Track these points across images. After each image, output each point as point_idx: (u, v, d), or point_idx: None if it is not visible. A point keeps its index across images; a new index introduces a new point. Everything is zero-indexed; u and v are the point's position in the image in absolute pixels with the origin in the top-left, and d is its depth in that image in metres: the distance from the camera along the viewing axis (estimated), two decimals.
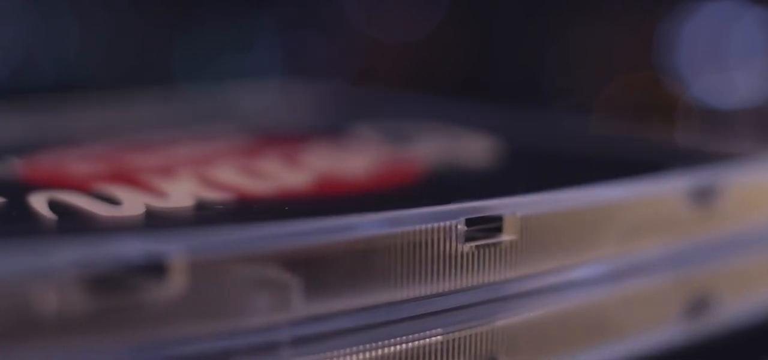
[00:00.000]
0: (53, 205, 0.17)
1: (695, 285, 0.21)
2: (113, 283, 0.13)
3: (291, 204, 0.19)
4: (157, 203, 0.18)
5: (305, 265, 0.15)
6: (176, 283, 0.14)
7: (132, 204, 0.17)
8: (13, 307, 0.13)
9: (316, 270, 0.15)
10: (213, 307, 0.14)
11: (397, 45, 0.54)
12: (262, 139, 0.26)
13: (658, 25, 0.51)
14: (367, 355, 0.16)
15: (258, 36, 0.53)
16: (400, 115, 0.29)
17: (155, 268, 0.14)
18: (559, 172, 0.22)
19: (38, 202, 0.17)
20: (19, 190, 0.18)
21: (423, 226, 0.16)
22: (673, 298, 0.20)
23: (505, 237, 0.17)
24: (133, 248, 0.13)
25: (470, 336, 0.17)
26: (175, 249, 0.14)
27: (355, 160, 0.22)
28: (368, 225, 0.16)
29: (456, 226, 0.17)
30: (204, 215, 0.17)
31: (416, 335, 0.16)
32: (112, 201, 0.17)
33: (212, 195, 0.19)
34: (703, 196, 0.20)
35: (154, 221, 0.17)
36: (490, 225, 0.17)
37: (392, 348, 0.16)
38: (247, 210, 0.18)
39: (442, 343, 0.17)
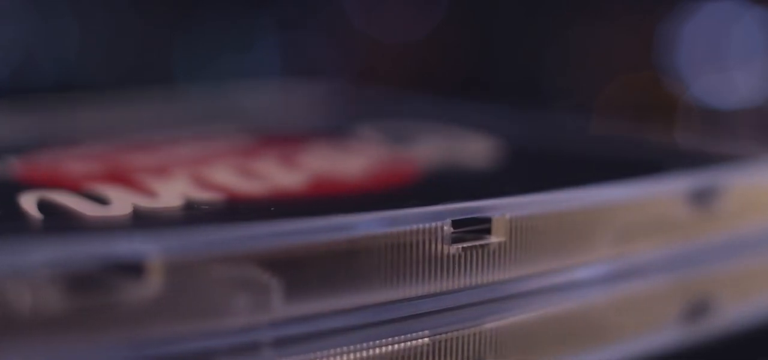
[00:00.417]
0: (42, 205, 0.17)
1: (694, 288, 0.21)
2: (90, 283, 0.13)
3: (279, 204, 0.19)
4: (146, 203, 0.18)
5: (285, 265, 0.15)
6: (153, 283, 0.14)
7: (120, 204, 0.17)
8: None
9: (297, 271, 0.15)
10: (191, 308, 0.14)
11: (397, 45, 0.54)
12: (261, 139, 0.26)
13: (658, 25, 0.51)
14: (352, 356, 0.16)
15: (258, 36, 0.53)
16: (400, 115, 0.29)
17: (132, 268, 0.14)
18: (555, 173, 0.22)
19: (28, 202, 0.17)
20: (13, 189, 0.18)
21: (408, 228, 0.16)
22: (671, 302, 0.20)
23: (494, 239, 0.17)
24: (111, 248, 0.13)
25: (458, 338, 0.17)
26: (152, 249, 0.14)
27: (352, 160, 0.22)
28: (350, 226, 0.15)
29: (442, 228, 0.16)
30: (189, 215, 0.17)
31: (402, 337, 0.16)
32: (102, 201, 0.17)
33: (203, 195, 0.19)
34: (703, 198, 0.20)
35: (140, 221, 0.17)
36: (479, 226, 0.17)
37: (377, 350, 0.16)
38: (232, 210, 0.18)
39: (429, 345, 0.16)
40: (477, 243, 0.17)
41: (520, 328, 0.18)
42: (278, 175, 0.20)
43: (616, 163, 0.23)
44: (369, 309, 0.16)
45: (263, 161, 0.22)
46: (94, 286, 0.13)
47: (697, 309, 0.20)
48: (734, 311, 0.21)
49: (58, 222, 0.16)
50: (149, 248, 0.14)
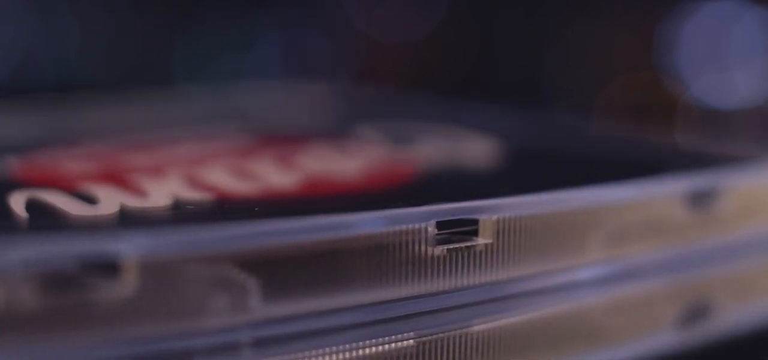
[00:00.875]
0: (30, 204, 0.17)
1: (692, 292, 0.20)
2: (66, 282, 0.13)
3: (268, 205, 0.19)
4: (134, 203, 0.18)
5: (264, 266, 0.15)
6: (128, 282, 0.14)
7: (108, 203, 0.17)
8: None
9: (276, 271, 0.15)
10: (167, 308, 0.14)
11: (397, 45, 0.54)
12: (260, 139, 0.26)
13: (658, 25, 0.51)
14: (334, 358, 0.15)
15: (258, 36, 0.53)
16: (400, 116, 0.29)
17: (108, 268, 0.14)
18: (551, 174, 0.21)
19: (17, 201, 0.17)
20: (7, 188, 0.18)
21: (391, 229, 0.16)
22: (668, 306, 0.20)
23: (481, 240, 0.17)
24: (86, 247, 0.13)
25: (444, 340, 0.17)
26: (127, 249, 0.14)
27: (348, 161, 0.22)
28: (331, 226, 0.15)
29: (426, 229, 0.16)
30: (174, 215, 0.17)
31: (386, 339, 0.16)
32: (90, 200, 0.17)
33: (192, 195, 0.18)
34: (701, 200, 0.20)
35: (124, 221, 0.17)
36: (466, 228, 0.17)
37: (360, 351, 0.16)
38: (217, 211, 0.18)
39: (414, 347, 0.16)
40: (462, 245, 0.17)
41: (508, 331, 0.18)
42: (272, 175, 0.20)
43: (613, 163, 0.23)
44: (351, 310, 0.16)
45: (259, 161, 0.22)
46: (70, 286, 0.13)
47: (695, 313, 0.20)
48: (732, 315, 0.21)
49: (41, 221, 0.16)
50: (124, 248, 0.14)
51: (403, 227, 0.16)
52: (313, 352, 0.15)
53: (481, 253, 0.17)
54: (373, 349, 0.16)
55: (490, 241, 0.17)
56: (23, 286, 0.13)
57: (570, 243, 0.18)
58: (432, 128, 0.26)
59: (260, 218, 0.15)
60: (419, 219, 0.16)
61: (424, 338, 0.16)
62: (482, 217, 0.17)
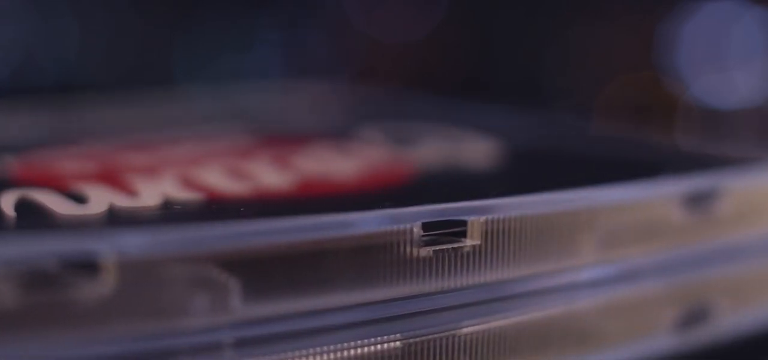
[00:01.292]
0: (19, 204, 0.17)
1: (690, 294, 0.20)
2: (45, 281, 0.13)
3: (257, 205, 0.18)
4: (124, 202, 0.18)
5: (245, 266, 0.15)
6: (107, 281, 0.14)
7: (97, 203, 0.17)
8: None
9: (258, 271, 0.15)
10: (147, 307, 0.14)
11: (397, 45, 0.54)
12: (260, 139, 0.26)
13: (658, 25, 0.51)
14: (318, 359, 0.15)
15: (258, 36, 0.53)
16: (400, 116, 0.29)
17: (87, 267, 0.14)
18: (549, 174, 0.21)
19: (6, 201, 0.17)
20: (1, 188, 0.18)
21: (375, 229, 0.16)
22: (665, 308, 0.20)
23: (468, 242, 0.17)
24: (66, 246, 0.13)
25: (431, 342, 0.16)
26: (106, 248, 0.14)
27: (345, 161, 0.22)
28: (314, 227, 0.15)
29: (412, 231, 0.16)
30: (162, 215, 0.17)
31: (371, 340, 0.16)
32: (80, 200, 0.17)
33: (184, 195, 0.18)
34: (700, 202, 0.20)
35: (111, 220, 0.17)
36: (454, 229, 0.17)
37: (345, 352, 0.16)
38: (205, 211, 0.18)
39: (400, 348, 0.16)
40: (449, 246, 0.17)
41: (497, 333, 0.18)
42: (267, 175, 0.20)
43: (612, 164, 0.23)
44: (336, 311, 0.16)
45: (256, 162, 0.22)
46: (50, 285, 0.13)
47: (694, 316, 0.20)
48: (731, 318, 0.20)
49: (27, 221, 0.16)
50: (103, 247, 0.14)
51: (390, 228, 0.16)
52: (296, 353, 0.15)
53: (468, 254, 0.17)
54: (359, 350, 0.16)
55: (478, 242, 0.17)
56: (4, 285, 0.13)
57: (561, 245, 0.18)
58: (432, 128, 0.26)
59: (244, 218, 0.15)
60: (405, 220, 0.16)
61: (411, 340, 0.16)
62: (470, 219, 0.17)
